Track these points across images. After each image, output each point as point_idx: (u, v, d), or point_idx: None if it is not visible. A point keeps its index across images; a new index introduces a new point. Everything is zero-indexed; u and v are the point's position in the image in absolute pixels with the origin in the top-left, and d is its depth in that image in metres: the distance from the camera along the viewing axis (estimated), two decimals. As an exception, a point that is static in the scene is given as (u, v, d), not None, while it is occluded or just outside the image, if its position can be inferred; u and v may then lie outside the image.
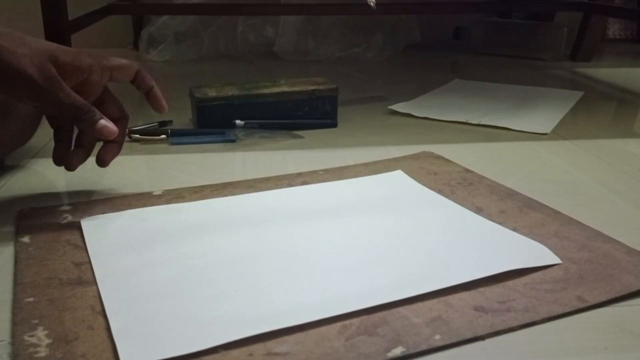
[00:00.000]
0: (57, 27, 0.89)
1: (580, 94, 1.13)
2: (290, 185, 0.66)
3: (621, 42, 1.83)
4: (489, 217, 0.58)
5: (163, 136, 0.83)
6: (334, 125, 0.91)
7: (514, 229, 0.55)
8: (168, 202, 0.61)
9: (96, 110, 0.57)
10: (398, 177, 0.68)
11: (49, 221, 0.57)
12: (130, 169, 0.73)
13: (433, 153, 0.77)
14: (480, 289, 0.45)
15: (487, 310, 0.43)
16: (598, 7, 1.48)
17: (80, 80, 0.58)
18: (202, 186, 0.65)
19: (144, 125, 0.87)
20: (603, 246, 0.52)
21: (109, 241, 0.52)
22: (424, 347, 0.39)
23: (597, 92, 1.19)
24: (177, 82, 1.24)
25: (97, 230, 0.54)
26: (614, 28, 1.84)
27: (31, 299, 0.44)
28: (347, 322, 0.41)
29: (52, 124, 0.63)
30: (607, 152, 0.81)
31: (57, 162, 0.62)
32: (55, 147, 0.62)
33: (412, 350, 0.38)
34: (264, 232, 0.54)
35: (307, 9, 1.33)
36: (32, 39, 0.55)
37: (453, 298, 0.44)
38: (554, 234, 0.55)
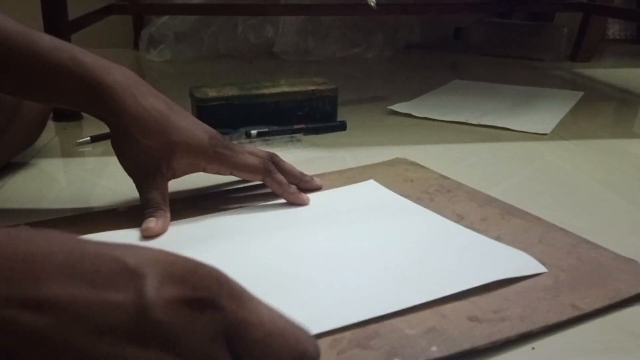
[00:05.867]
0: (57, 27, 0.89)
1: (580, 94, 1.13)
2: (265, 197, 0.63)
3: (621, 43, 1.83)
4: (471, 224, 0.57)
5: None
6: (343, 128, 0.89)
7: (498, 237, 0.54)
8: (136, 219, 0.56)
9: (158, 211, 0.55)
10: (372, 187, 0.66)
11: None
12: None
13: (407, 159, 0.75)
14: (472, 299, 0.44)
15: (482, 320, 0.42)
16: (598, 7, 1.48)
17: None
18: (172, 200, 0.59)
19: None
20: (589, 253, 0.52)
21: None
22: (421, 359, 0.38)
23: (597, 92, 1.19)
24: (177, 82, 1.24)
25: None
26: (614, 28, 1.84)
27: None
28: (337, 335, 0.39)
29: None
30: (607, 152, 0.81)
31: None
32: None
33: None
34: (245, 248, 0.52)
35: (307, 9, 1.33)
36: (181, 116, 0.57)
37: (445, 309, 0.43)
38: (538, 240, 0.54)
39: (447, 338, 0.40)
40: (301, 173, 0.64)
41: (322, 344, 0.38)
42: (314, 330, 0.39)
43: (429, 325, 0.41)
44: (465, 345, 0.39)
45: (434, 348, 0.38)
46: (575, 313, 0.43)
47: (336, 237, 0.54)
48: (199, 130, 0.58)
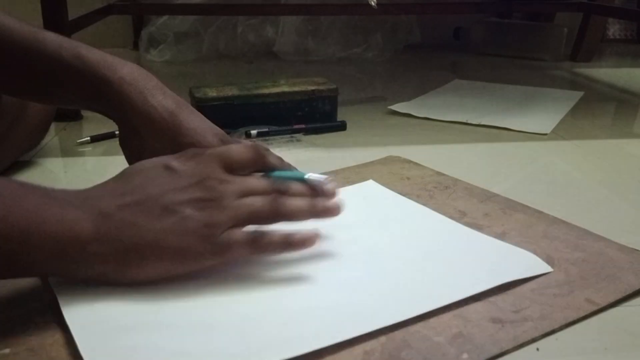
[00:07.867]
0: (57, 27, 0.89)
1: (580, 94, 1.13)
2: None
3: (621, 43, 1.83)
4: (474, 220, 0.57)
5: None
6: (343, 128, 0.90)
7: (503, 232, 0.55)
8: None
9: None
10: (373, 188, 0.65)
11: None
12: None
13: (400, 157, 0.75)
14: (491, 299, 0.44)
15: (505, 321, 0.42)
16: (598, 7, 1.48)
17: None
18: None
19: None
20: (595, 245, 0.52)
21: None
22: None
23: (597, 92, 1.19)
24: (177, 82, 1.24)
25: None
26: (614, 28, 1.84)
27: (7, 350, 0.38)
28: (368, 347, 0.39)
29: None
30: (607, 152, 0.81)
31: None
32: None
33: None
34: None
35: (307, 9, 1.33)
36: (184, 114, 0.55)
37: (467, 310, 0.43)
38: (543, 234, 0.54)
39: (476, 344, 0.39)
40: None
41: (354, 357, 0.38)
42: (342, 337, 0.38)
43: (455, 330, 0.41)
44: (494, 350, 0.39)
45: (464, 356, 0.38)
46: (592, 308, 0.44)
47: (345, 243, 0.52)
48: (209, 134, 0.55)
